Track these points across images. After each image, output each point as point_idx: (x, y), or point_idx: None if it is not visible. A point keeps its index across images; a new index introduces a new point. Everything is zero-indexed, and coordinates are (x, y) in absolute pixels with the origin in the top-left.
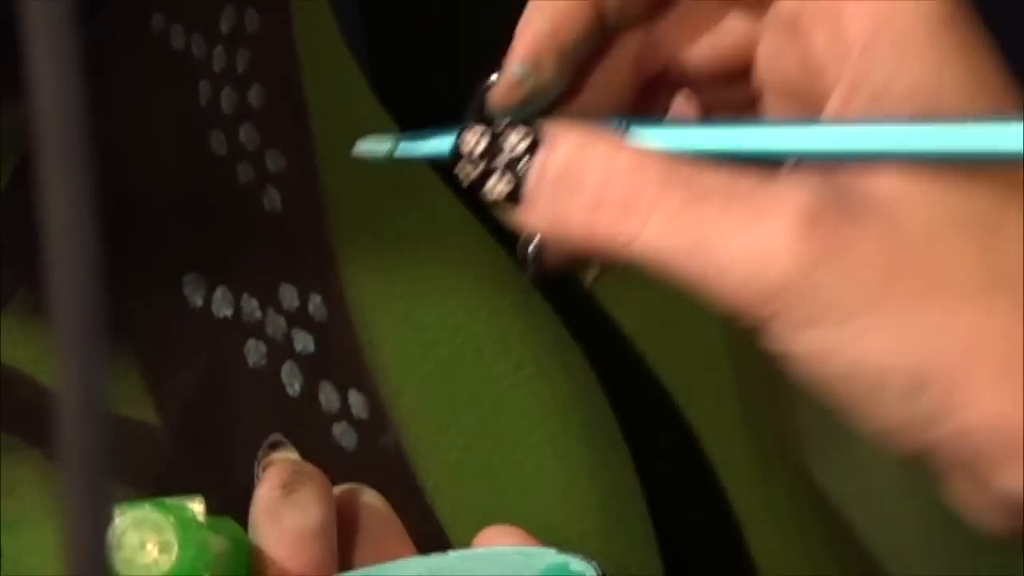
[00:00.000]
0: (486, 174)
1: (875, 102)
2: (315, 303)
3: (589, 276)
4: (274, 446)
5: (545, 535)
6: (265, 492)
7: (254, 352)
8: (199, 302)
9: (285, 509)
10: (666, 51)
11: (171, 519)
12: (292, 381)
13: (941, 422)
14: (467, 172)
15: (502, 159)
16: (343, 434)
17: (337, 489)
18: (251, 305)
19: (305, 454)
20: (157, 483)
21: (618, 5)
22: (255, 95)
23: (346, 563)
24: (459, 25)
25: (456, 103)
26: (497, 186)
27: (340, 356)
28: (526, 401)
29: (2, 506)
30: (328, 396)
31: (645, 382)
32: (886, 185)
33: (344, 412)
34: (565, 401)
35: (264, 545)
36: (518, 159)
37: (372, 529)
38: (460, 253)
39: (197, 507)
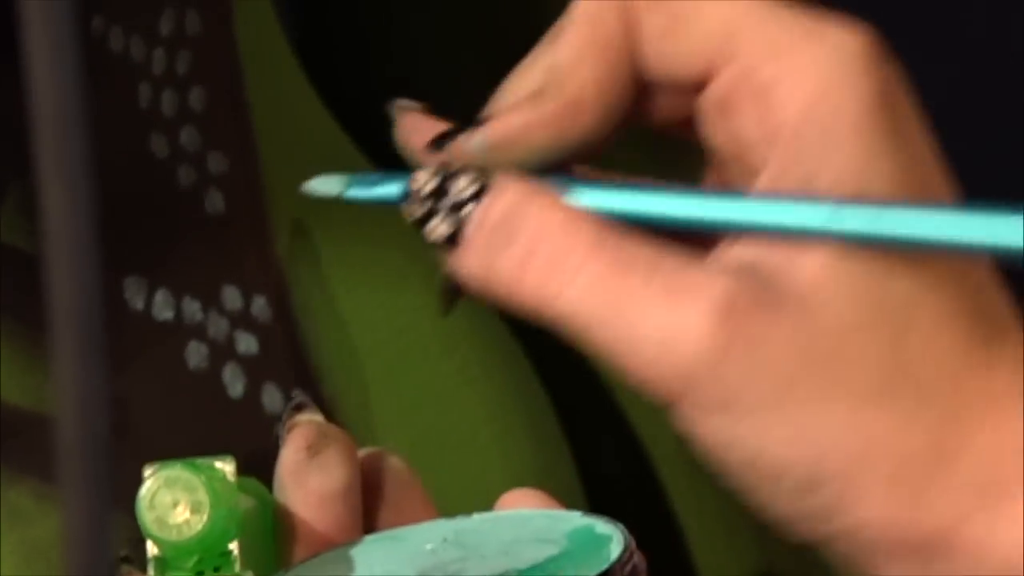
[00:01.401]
0: (430, 214)
1: (802, 189)
2: (259, 304)
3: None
4: (298, 408)
5: None
6: (290, 454)
7: (195, 354)
8: (140, 305)
9: (310, 471)
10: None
11: (203, 478)
12: (235, 382)
13: (834, 518)
14: (413, 211)
15: (447, 201)
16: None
17: (361, 451)
18: (193, 307)
19: (247, 456)
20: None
21: (599, 123)
22: (196, 97)
23: (370, 525)
24: (389, 24)
25: (388, 98)
26: (439, 227)
27: (284, 357)
28: (471, 402)
29: None
30: (271, 397)
31: (587, 383)
32: (807, 275)
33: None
34: (509, 402)
35: (290, 506)
36: (462, 203)
37: (396, 492)
38: (405, 254)
39: (228, 467)
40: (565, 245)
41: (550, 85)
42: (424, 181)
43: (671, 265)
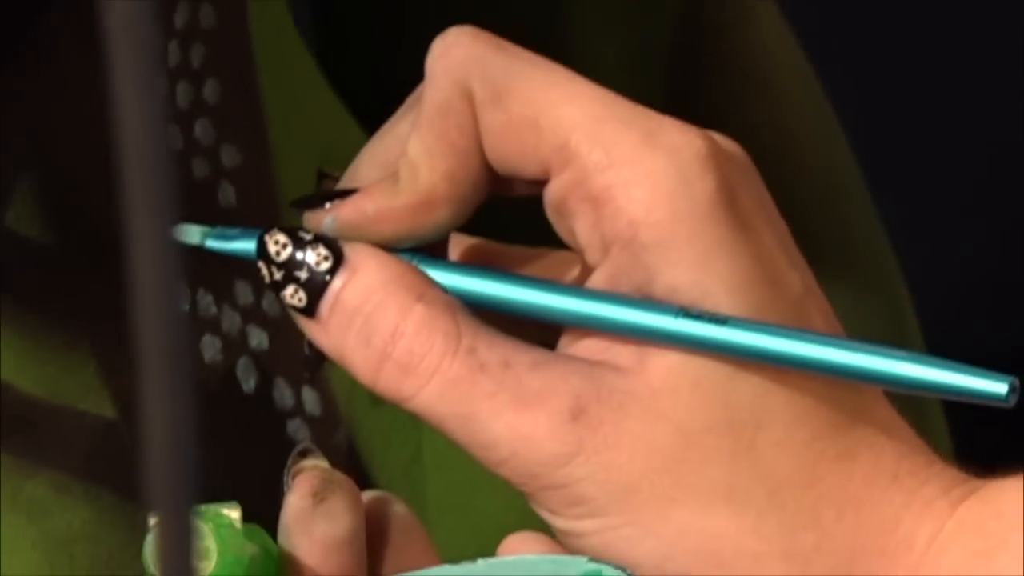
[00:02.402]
0: (286, 281)
1: (638, 295)
2: (269, 299)
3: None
4: (303, 453)
5: (499, 531)
6: (295, 501)
7: (210, 347)
8: None
9: (316, 518)
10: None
11: (210, 525)
12: (247, 377)
13: None
14: (269, 272)
15: (302, 273)
16: (297, 431)
17: (365, 496)
18: (206, 300)
19: (258, 450)
20: (115, 477)
21: (450, 215)
22: (210, 90)
23: (373, 572)
24: (402, 17)
25: (402, 93)
26: (294, 297)
27: (294, 353)
28: None
29: None
30: (282, 393)
31: None
32: (654, 376)
33: (298, 409)
34: None
35: (294, 553)
36: (317, 275)
37: (399, 538)
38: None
39: (234, 514)
40: (420, 348)
41: (404, 177)
42: (275, 251)
43: (523, 364)
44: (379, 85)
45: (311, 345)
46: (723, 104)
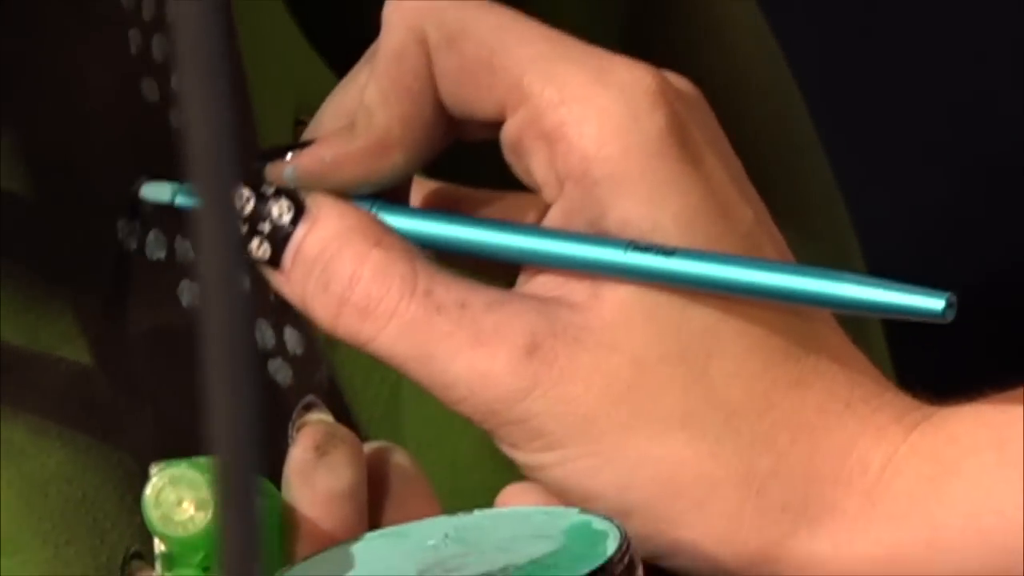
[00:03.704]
0: (251, 235)
1: (591, 229)
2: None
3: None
4: (308, 407)
5: (474, 464)
6: (299, 454)
7: (188, 292)
8: (133, 245)
9: (318, 471)
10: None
11: (206, 476)
12: None
13: (653, 540)
14: None
15: (266, 225)
16: (278, 370)
17: (367, 447)
18: (184, 247)
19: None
20: (90, 421)
21: (407, 158)
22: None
23: (375, 522)
24: None
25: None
26: (258, 249)
27: (275, 294)
28: None
29: None
30: (264, 333)
31: None
32: (607, 310)
33: (279, 348)
34: None
35: (297, 505)
36: (280, 227)
37: (400, 489)
38: None
39: None
40: (377, 292)
41: (359, 122)
42: (243, 200)
43: (479, 304)
44: (352, 37)
45: (277, 294)
46: (678, 51)
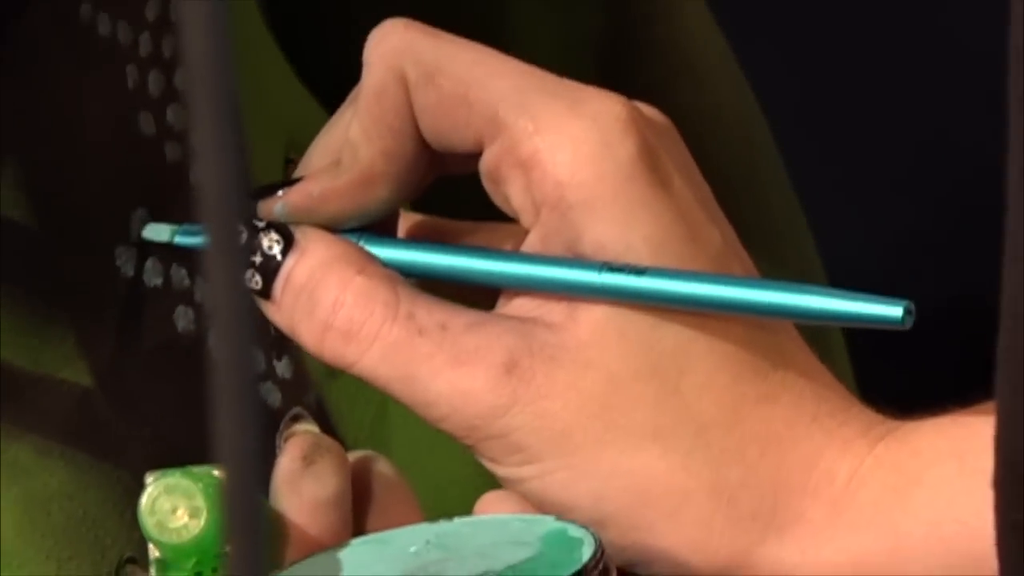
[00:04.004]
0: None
1: (568, 253)
2: None
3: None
4: (295, 419)
5: (458, 483)
6: (286, 463)
7: (183, 318)
8: (131, 272)
9: (305, 480)
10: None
11: (200, 485)
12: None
13: (626, 550)
14: None
15: (257, 257)
16: (269, 393)
17: (352, 456)
18: (180, 274)
19: None
20: (91, 441)
21: (391, 191)
22: (181, 78)
23: (359, 528)
24: (349, 10)
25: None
26: (252, 279)
27: (265, 322)
28: None
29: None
30: (255, 359)
31: None
32: (582, 330)
33: (269, 373)
34: None
35: (285, 512)
36: (270, 260)
37: (383, 496)
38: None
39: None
40: (360, 316)
41: (345, 159)
42: None
43: (459, 326)
44: (344, 75)
45: (268, 322)
46: (652, 88)
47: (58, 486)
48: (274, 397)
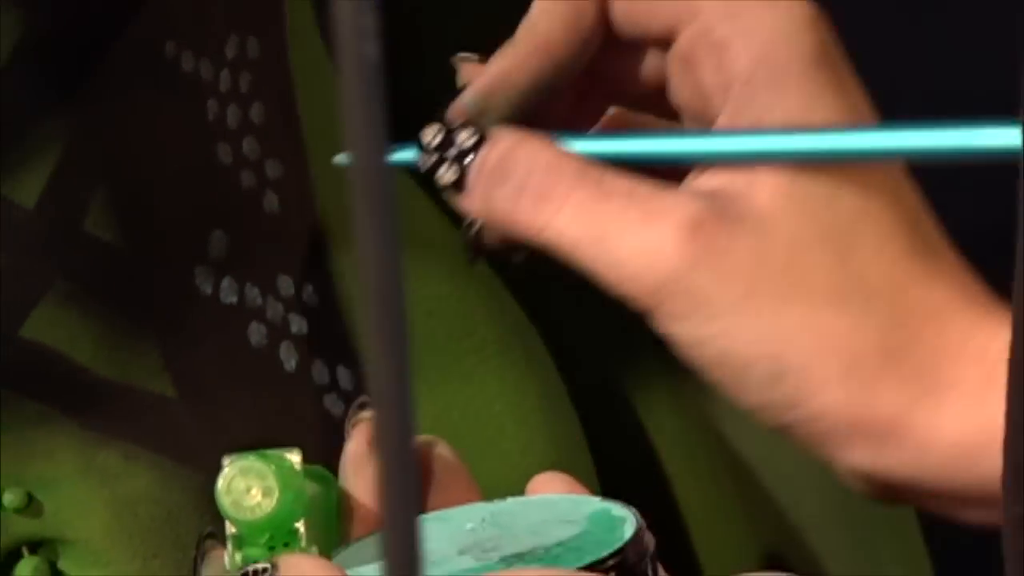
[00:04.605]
0: (439, 163)
1: (755, 126)
2: (308, 291)
3: (518, 257)
4: (362, 406)
5: (505, 487)
6: (354, 447)
7: (256, 333)
8: (209, 290)
9: (371, 463)
10: (604, 80)
11: (272, 467)
12: (289, 358)
13: (795, 407)
14: (424, 161)
15: (452, 151)
16: (333, 404)
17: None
18: (253, 293)
19: (300, 421)
20: (174, 446)
21: (568, 58)
22: (256, 112)
23: (421, 507)
24: (420, 36)
25: (421, 112)
26: (446, 174)
27: (330, 337)
28: (488, 375)
29: (41, 468)
30: (319, 371)
31: (590, 358)
32: (764, 196)
33: (333, 385)
34: (522, 375)
35: (351, 491)
36: (465, 153)
37: (443, 478)
38: (435, 250)
39: (295, 457)
40: (551, 180)
41: (521, 34)
42: (431, 135)
43: (646, 192)
44: (401, 102)
45: (470, 233)
46: None
47: (144, 489)
48: (338, 408)
